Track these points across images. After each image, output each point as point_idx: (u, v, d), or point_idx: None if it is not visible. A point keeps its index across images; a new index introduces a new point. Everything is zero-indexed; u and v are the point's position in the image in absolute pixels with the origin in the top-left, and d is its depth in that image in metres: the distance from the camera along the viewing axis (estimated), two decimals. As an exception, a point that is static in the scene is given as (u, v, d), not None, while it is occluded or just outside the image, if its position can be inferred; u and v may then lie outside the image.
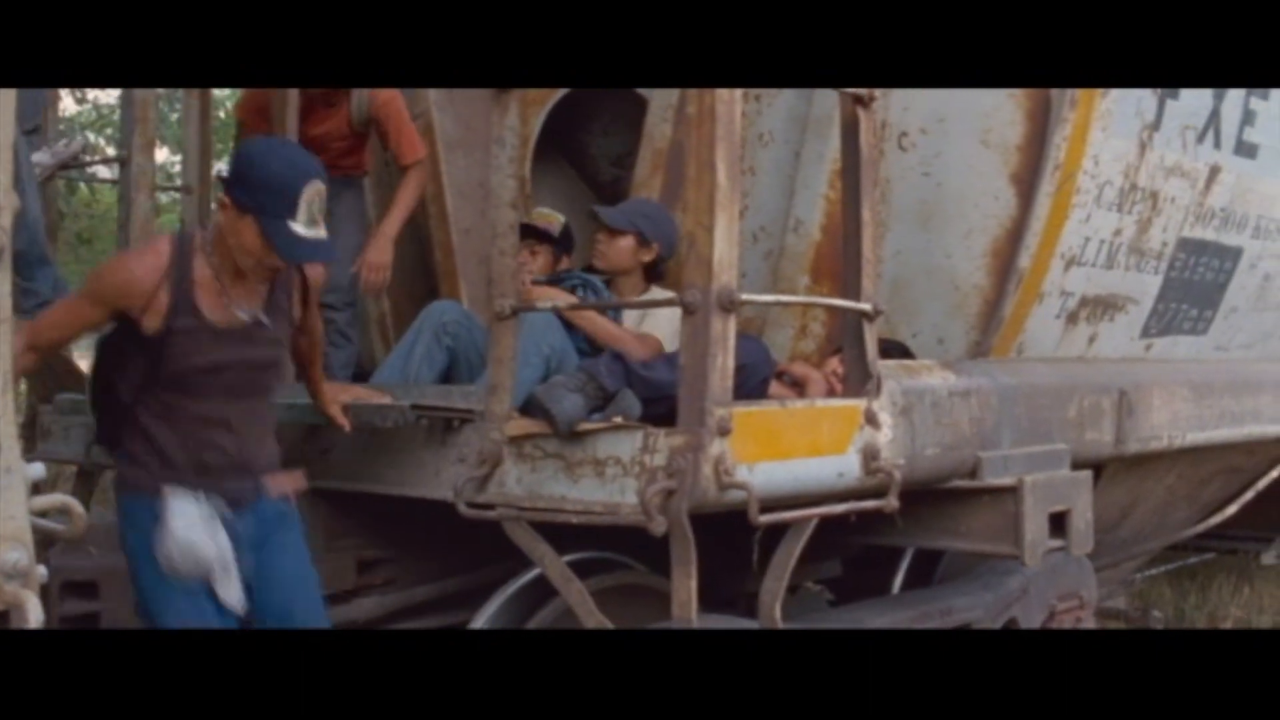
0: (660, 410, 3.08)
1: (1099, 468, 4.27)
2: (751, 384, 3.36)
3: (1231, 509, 5.60)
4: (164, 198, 8.83)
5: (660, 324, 3.94)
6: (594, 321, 3.94)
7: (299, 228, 2.88)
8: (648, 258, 4.15)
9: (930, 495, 3.62)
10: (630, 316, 4.09)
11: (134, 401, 3.05)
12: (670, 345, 3.63)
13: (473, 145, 5.27)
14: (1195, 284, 4.84)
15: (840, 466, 3.15)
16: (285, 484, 3.24)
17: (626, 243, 4.13)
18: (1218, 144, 4.59)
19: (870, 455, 3.21)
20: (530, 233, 4.38)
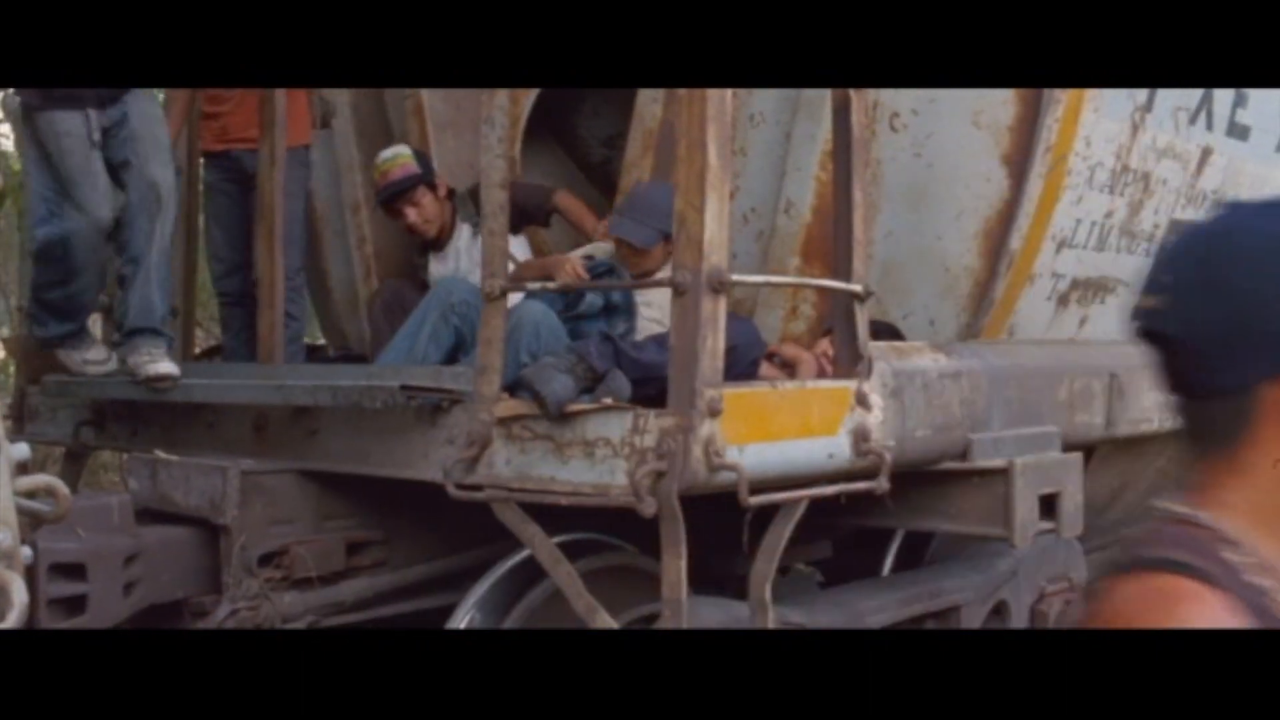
0: (650, 391, 3.08)
1: (1089, 450, 4.27)
2: (742, 365, 3.35)
3: (1221, 492, 5.61)
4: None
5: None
6: None
7: None
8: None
9: (921, 477, 3.62)
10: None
11: None
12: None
13: (462, 126, 5.25)
14: (1186, 266, 4.83)
15: (831, 448, 3.14)
16: None
17: (656, 250, 4.10)
18: (1210, 126, 4.58)
19: (861, 437, 3.20)
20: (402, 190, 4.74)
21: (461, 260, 4.89)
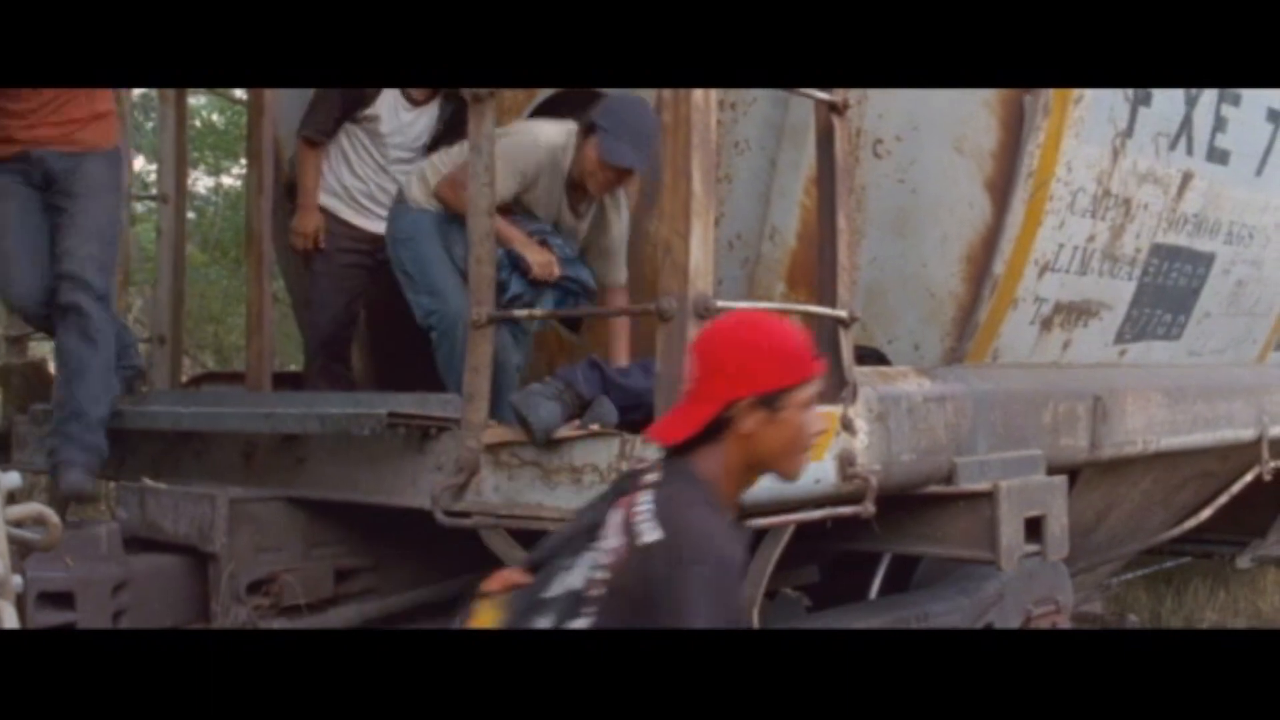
0: (637, 418, 3.09)
1: (1074, 473, 4.29)
2: (728, 391, 3.36)
3: (1206, 513, 5.63)
4: (140, 207, 8.81)
5: None
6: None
7: None
8: None
9: (906, 501, 3.63)
10: None
11: None
12: None
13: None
14: (1168, 290, 4.86)
15: (816, 473, 3.16)
16: None
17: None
18: (1190, 150, 4.62)
19: (846, 461, 3.22)
20: None
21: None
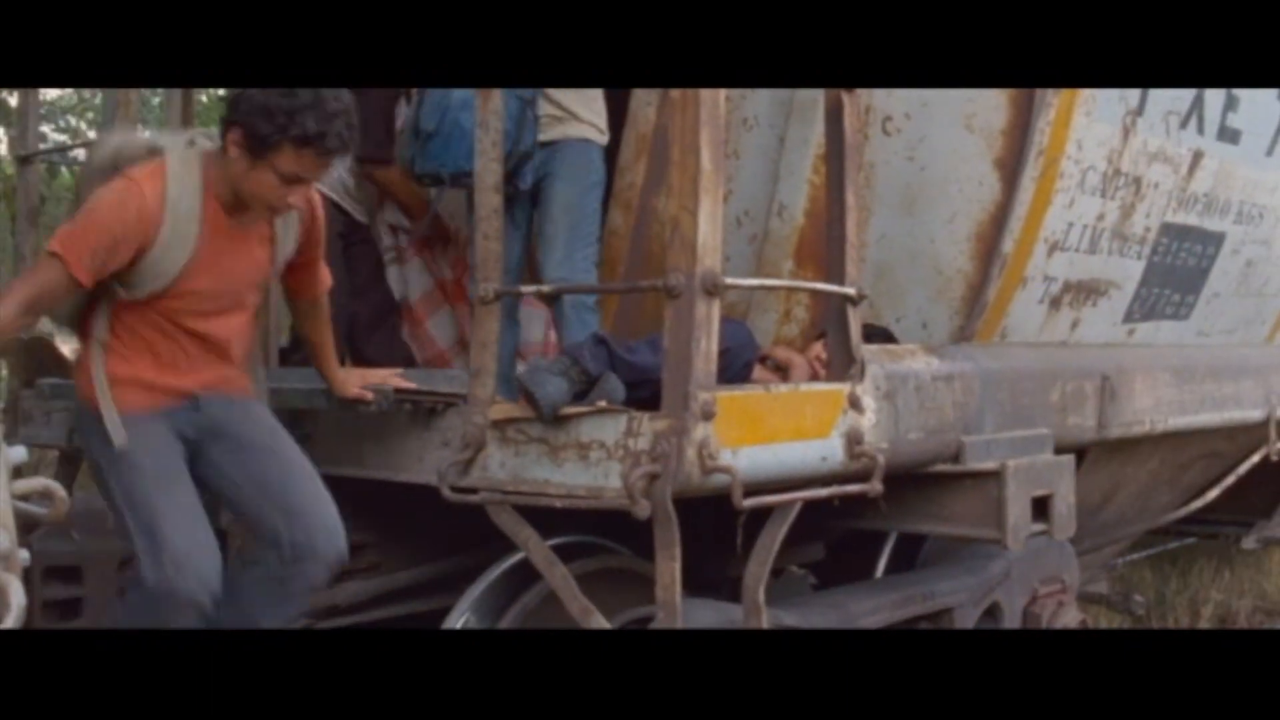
0: (644, 394, 3.08)
1: (1081, 452, 4.28)
2: (735, 368, 3.36)
3: (1213, 494, 5.62)
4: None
5: None
6: None
7: None
8: None
9: (913, 479, 3.63)
10: None
11: None
12: None
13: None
14: (1178, 269, 4.85)
15: (824, 450, 3.16)
16: None
17: None
18: (1201, 129, 4.60)
19: (854, 439, 3.21)
20: None
21: None
